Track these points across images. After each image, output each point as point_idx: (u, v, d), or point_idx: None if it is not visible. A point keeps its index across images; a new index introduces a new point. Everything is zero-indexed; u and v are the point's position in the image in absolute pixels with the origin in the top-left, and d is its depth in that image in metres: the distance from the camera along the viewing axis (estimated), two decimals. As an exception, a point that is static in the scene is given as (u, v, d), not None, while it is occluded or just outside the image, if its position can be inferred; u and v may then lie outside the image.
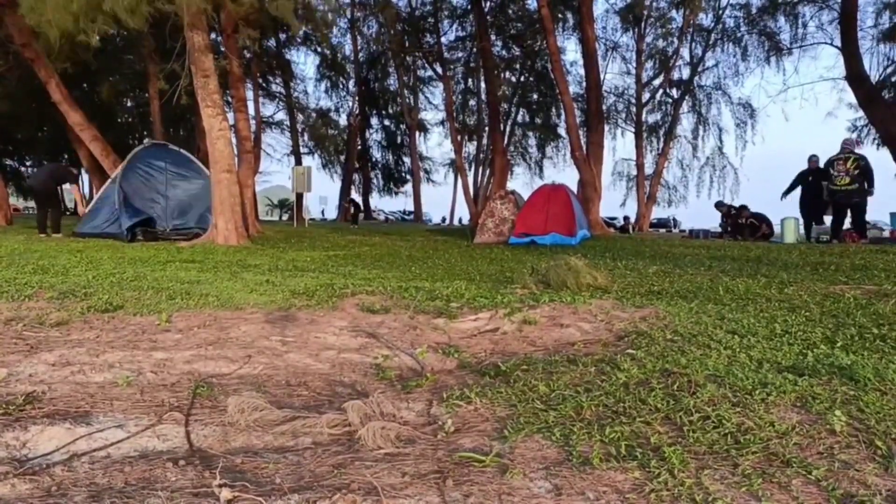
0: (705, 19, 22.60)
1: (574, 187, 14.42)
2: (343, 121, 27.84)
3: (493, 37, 19.57)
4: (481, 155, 24.42)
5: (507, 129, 23.57)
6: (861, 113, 15.84)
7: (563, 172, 25.50)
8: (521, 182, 26.17)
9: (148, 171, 10.17)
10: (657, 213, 25.79)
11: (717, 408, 1.96)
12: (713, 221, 18.60)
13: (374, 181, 30.95)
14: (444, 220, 35.49)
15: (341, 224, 21.80)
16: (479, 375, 2.52)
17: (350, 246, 9.56)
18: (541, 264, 5.17)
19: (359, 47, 26.62)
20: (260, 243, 9.35)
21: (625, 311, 3.54)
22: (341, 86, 27.72)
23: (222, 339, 3.06)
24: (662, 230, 26.56)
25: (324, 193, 31.00)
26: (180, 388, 2.34)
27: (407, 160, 30.60)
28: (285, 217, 34.28)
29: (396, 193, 31.39)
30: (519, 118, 25.13)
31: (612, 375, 2.35)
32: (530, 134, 26.00)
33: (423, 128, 29.67)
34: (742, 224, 12.83)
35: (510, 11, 20.82)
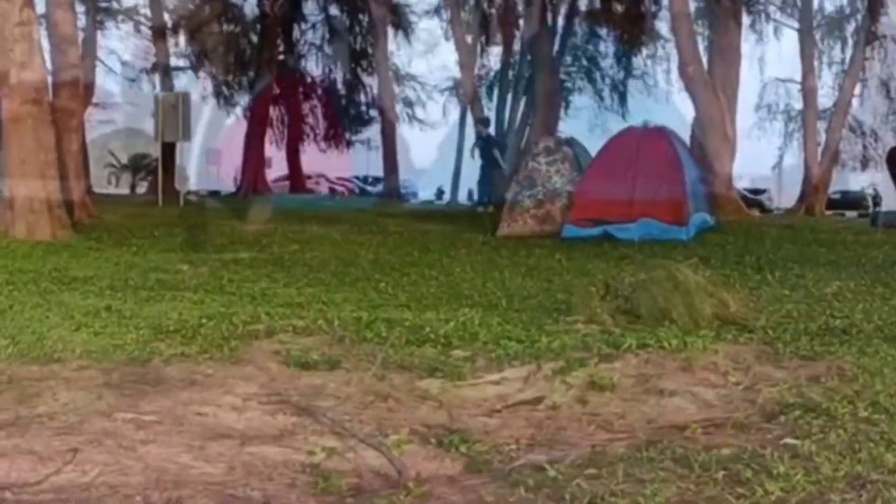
0: None
1: (685, 133, 14.44)
2: (251, 7, 27.90)
3: None
4: (510, 73, 24.47)
5: (558, 23, 23.62)
6: None
7: (663, 105, 25.31)
8: (584, 124, 25.65)
9: None
10: (843, 181, 25.75)
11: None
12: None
13: (309, 123, 30.93)
14: (440, 193, 35.51)
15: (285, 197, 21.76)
16: (508, 486, 2.53)
17: (265, 243, 9.56)
18: (622, 278, 5.17)
19: None
20: (95, 237, 9.35)
21: (779, 366, 3.56)
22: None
23: (23, 417, 3.05)
24: (852, 213, 26.54)
25: (215, 145, 30.61)
26: (-55, 509, 2.34)
27: (371, 82, 30.60)
28: (142, 188, 34.33)
29: (350, 144, 31.42)
30: (580, 3, 25.17)
31: (755, 487, 2.36)
32: (601, 33, 26.03)
33: (400, 21, 29.72)
34: None
35: None
